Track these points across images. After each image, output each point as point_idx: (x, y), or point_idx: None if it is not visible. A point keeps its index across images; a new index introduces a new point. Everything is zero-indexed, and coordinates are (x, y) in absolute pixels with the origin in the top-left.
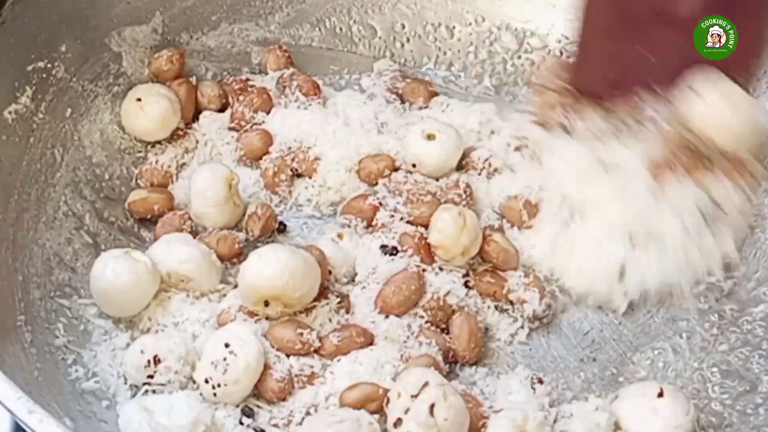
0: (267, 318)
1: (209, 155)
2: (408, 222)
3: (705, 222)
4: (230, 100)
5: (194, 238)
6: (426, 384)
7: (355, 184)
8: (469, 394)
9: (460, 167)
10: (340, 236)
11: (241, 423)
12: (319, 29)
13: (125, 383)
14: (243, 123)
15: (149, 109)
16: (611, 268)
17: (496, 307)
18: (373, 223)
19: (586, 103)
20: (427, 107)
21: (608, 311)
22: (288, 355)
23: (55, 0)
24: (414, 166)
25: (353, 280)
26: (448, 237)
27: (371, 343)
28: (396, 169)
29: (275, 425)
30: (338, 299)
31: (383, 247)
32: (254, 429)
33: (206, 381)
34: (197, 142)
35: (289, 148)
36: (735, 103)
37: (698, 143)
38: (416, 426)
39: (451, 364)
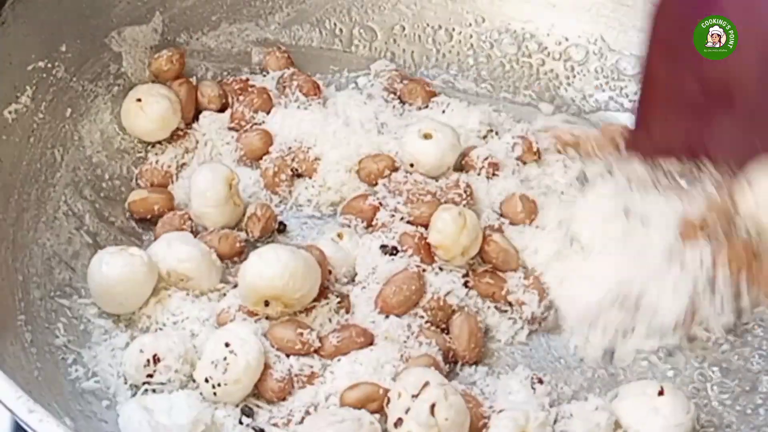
0: (267, 318)
1: (209, 155)
2: (408, 222)
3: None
4: (230, 100)
5: (195, 237)
6: (426, 384)
7: (355, 184)
8: (469, 394)
9: (460, 167)
10: (340, 236)
11: (241, 422)
12: (319, 29)
13: (125, 383)
14: (243, 123)
15: (150, 110)
16: (589, 318)
17: (496, 308)
18: (373, 223)
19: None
20: (426, 107)
21: None
22: (288, 355)
23: (55, 0)
24: (412, 165)
25: (353, 280)
26: (448, 237)
27: (371, 343)
28: (396, 169)
29: (275, 424)
30: (338, 299)
31: (383, 247)
32: (254, 428)
33: (206, 380)
34: (197, 142)
35: (289, 148)
36: None
37: (740, 226)
38: (417, 426)
39: (451, 364)
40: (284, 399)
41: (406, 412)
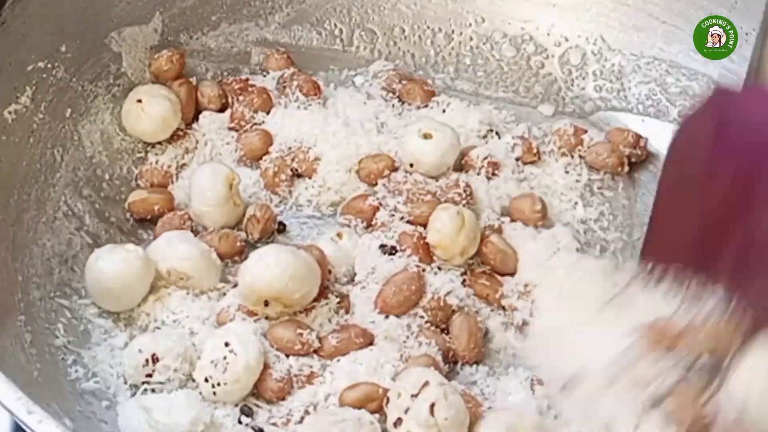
0: (267, 318)
1: (209, 155)
2: (408, 221)
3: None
4: (230, 100)
5: (195, 237)
6: (426, 383)
7: (355, 184)
8: (469, 394)
9: (460, 167)
10: (339, 236)
11: (240, 422)
12: (319, 30)
13: (125, 383)
14: (243, 123)
15: (150, 111)
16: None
17: (491, 310)
18: (373, 222)
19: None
20: (425, 107)
21: None
22: (287, 355)
23: (55, 0)
24: (411, 165)
25: (353, 280)
26: (447, 236)
27: (371, 344)
28: (396, 169)
29: (274, 424)
30: (338, 299)
31: (382, 246)
32: (253, 428)
33: (206, 380)
34: (197, 142)
35: (289, 148)
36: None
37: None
38: (416, 425)
39: (450, 364)
40: (283, 399)
41: (406, 411)
